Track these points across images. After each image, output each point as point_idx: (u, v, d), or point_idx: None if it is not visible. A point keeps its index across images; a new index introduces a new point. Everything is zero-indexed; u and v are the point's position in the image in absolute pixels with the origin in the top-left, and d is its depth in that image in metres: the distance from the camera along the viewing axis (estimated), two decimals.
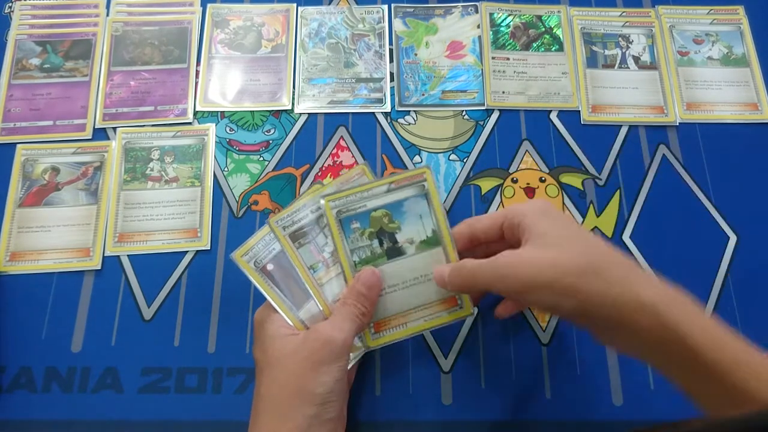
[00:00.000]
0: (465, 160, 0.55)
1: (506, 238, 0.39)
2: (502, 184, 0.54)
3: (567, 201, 0.54)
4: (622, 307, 0.33)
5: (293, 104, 0.57)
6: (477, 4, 0.62)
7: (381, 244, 0.42)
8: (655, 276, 0.35)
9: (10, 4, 0.61)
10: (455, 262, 0.40)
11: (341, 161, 0.55)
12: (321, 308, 0.42)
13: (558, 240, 0.35)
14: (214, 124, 0.56)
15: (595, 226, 0.53)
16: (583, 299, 0.33)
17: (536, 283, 0.34)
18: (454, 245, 0.41)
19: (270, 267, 0.42)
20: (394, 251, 0.42)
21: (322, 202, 0.42)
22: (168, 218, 0.52)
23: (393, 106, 0.57)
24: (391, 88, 0.58)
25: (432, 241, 0.42)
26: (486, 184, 0.54)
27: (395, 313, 0.41)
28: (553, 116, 0.57)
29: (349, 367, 0.41)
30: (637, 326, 0.32)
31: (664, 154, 0.56)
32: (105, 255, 0.51)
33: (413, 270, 0.42)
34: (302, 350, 0.39)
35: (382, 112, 0.57)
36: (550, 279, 0.34)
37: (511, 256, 0.36)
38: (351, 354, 0.41)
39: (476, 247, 0.42)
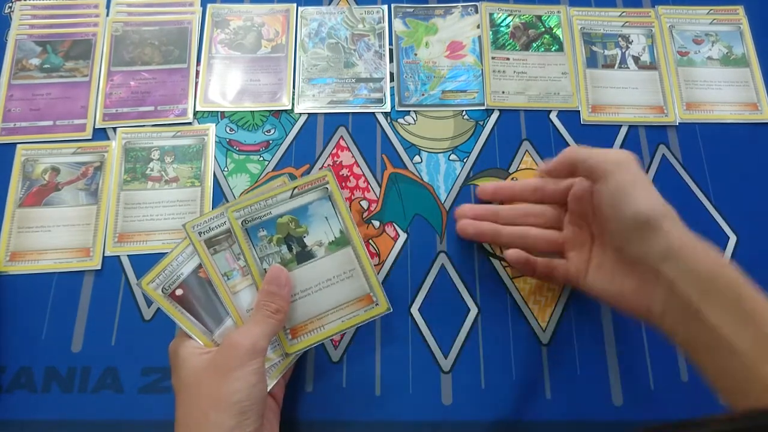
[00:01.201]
0: (465, 160, 0.55)
1: (592, 177, 0.42)
2: None
3: None
4: (698, 262, 0.37)
5: (293, 104, 0.57)
6: (477, 4, 0.62)
7: (290, 249, 0.42)
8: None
9: (10, 4, 0.61)
10: (546, 261, 0.47)
11: (341, 161, 0.55)
12: (233, 317, 0.42)
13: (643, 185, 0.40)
14: (214, 124, 0.56)
15: None
16: (666, 233, 0.38)
17: (639, 177, 0.40)
18: (362, 244, 0.43)
19: (179, 292, 0.42)
20: (304, 255, 0.42)
21: (226, 213, 0.42)
22: (168, 218, 0.52)
23: (393, 106, 0.57)
24: (391, 88, 0.58)
25: (341, 242, 0.43)
26: None
27: (311, 317, 0.42)
28: (553, 116, 0.57)
29: (271, 384, 0.41)
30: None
31: (663, 154, 0.56)
32: (105, 255, 0.51)
33: (325, 272, 0.42)
34: (212, 363, 0.38)
35: (382, 112, 0.57)
36: (649, 187, 0.40)
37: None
38: (269, 365, 0.41)
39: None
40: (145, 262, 0.51)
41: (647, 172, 0.55)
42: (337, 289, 0.42)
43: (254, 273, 0.42)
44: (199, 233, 0.42)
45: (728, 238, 0.52)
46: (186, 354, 0.40)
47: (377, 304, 0.43)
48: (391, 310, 0.43)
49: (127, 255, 0.51)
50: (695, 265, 0.37)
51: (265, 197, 0.42)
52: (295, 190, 0.42)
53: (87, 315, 0.49)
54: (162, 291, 0.41)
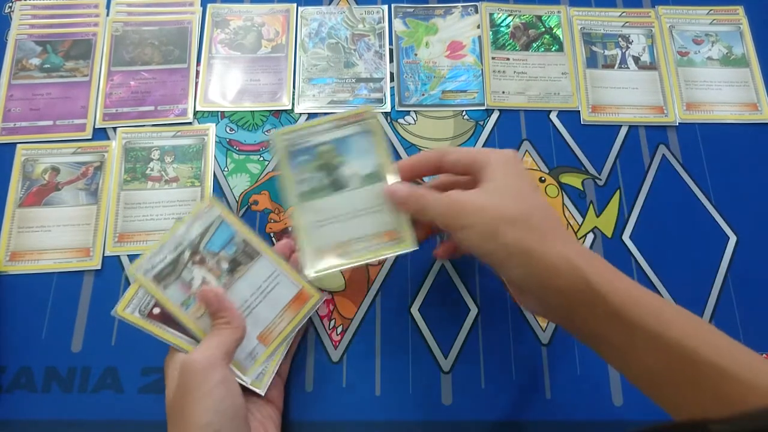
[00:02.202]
0: None
1: (470, 175, 0.41)
2: None
3: (567, 201, 0.54)
4: (547, 261, 0.34)
5: (293, 104, 0.57)
6: (477, 4, 0.62)
7: (327, 176, 0.43)
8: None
9: (10, 4, 0.61)
10: (411, 187, 0.41)
11: None
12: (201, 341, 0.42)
13: (504, 190, 0.38)
14: (214, 124, 0.56)
15: (595, 226, 0.53)
16: (506, 243, 0.35)
17: (466, 222, 0.37)
18: (397, 180, 0.43)
19: (156, 311, 0.42)
20: (339, 183, 0.43)
21: (273, 135, 0.44)
22: (168, 218, 0.52)
23: (393, 106, 0.57)
24: (391, 88, 0.58)
25: (375, 176, 0.43)
26: None
27: (337, 243, 0.42)
28: (553, 116, 0.57)
29: (263, 388, 0.40)
30: (560, 282, 0.34)
31: (663, 154, 0.56)
32: (105, 255, 0.51)
33: (356, 202, 0.43)
34: (177, 388, 0.37)
35: (382, 112, 0.57)
36: (479, 221, 0.36)
37: (457, 194, 0.38)
38: (257, 372, 0.41)
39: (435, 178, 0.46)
40: None
41: (647, 172, 0.55)
42: (366, 220, 0.43)
43: (289, 190, 0.43)
44: (145, 273, 0.42)
45: (728, 238, 0.52)
46: (169, 373, 0.39)
47: (403, 240, 0.42)
48: (417, 247, 0.42)
49: (127, 255, 0.51)
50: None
51: (310, 125, 0.44)
52: (339, 122, 0.44)
53: (87, 315, 0.49)
54: (138, 313, 0.42)
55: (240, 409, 0.37)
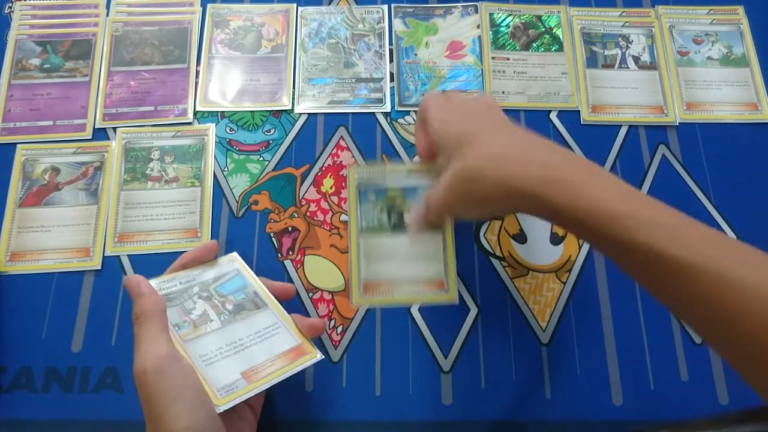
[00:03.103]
0: None
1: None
2: None
3: None
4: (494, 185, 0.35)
5: (293, 104, 0.57)
6: (477, 4, 0.62)
7: (389, 219, 0.45)
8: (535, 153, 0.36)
9: (10, 4, 0.61)
10: (418, 210, 0.44)
11: (341, 161, 0.55)
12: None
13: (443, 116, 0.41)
14: (214, 124, 0.56)
15: None
16: (457, 166, 0.37)
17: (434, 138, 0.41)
18: (453, 236, 0.45)
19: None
20: (400, 227, 0.45)
21: (351, 170, 0.46)
22: (168, 218, 0.52)
23: (393, 106, 0.57)
24: (391, 88, 0.58)
25: (435, 227, 0.45)
26: None
27: (386, 280, 0.44)
28: (553, 116, 0.57)
29: (225, 406, 0.37)
30: (515, 204, 0.36)
31: (663, 154, 0.56)
32: (105, 255, 0.51)
33: (411, 247, 0.45)
34: (142, 403, 0.36)
35: (382, 112, 0.57)
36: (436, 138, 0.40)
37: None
38: (223, 386, 0.39)
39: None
40: (145, 262, 0.51)
41: (647, 172, 0.55)
42: (416, 266, 0.44)
43: (352, 226, 0.45)
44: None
45: None
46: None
47: (446, 292, 0.44)
48: (457, 301, 0.44)
49: (127, 255, 0.51)
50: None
51: (387, 169, 0.46)
52: (411, 173, 0.46)
53: (87, 315, 0.49)
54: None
55: (211, 406, 0.36)
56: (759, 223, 0.53)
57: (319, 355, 0.42)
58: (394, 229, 0.45)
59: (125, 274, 0.50)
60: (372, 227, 0.45)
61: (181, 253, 0.47)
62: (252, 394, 0.38)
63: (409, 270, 0.44)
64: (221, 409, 0.36)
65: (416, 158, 0.55)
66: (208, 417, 0.35)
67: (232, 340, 0.42)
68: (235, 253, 0.49)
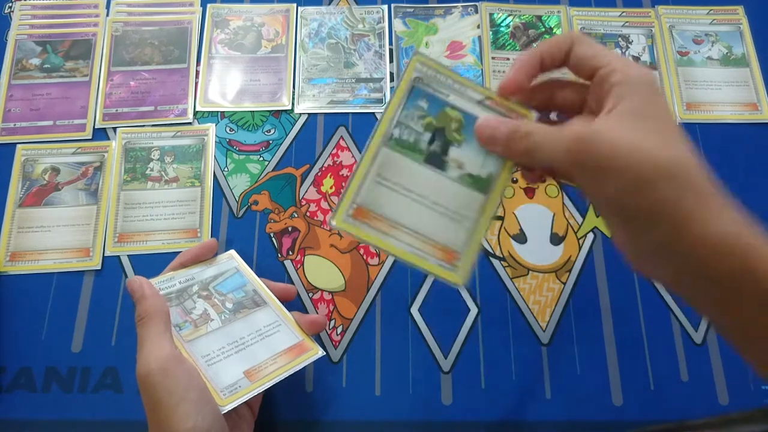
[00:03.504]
0: None
1: (592, 86, 0.31)
2: None
3: (567, 201, 0.54)
4: (705, 240, 0.27)
5: (293, 104, 0.57)
6: (477, 4, 0.62)
7: (431, 142, 0.34)
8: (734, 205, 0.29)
9: (10, 4, 0.61)
10: (512, 122, 0.33)
11: (341, 161, 0.55)
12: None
13: (649, 124, 0.28)
14: (214, 124, 0.56)
15: (595, 226, 0.53)
16: (656, 202, 0.27)
17: (601, 168, 0.28)
18: (496, 208, 0.35)
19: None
20: (436, 160, 0.34)
21: (415, 55, 0.35)
22: (168, 218, 0.52)
23: None
24: (391, 88, 0.58)
25: (480, 184, 0.34)
26: None
27: (387, 217, 0.33)
28: (554, 116, 0.57)
29: (228, 406, 0.37)
30: (716, 271, 0.27)
31: None
32: (105, 255, 0.51)
33: (439, 193, 0.34)
34: (145, 406, 0.36)
35: (382, 112, 0.57)
36: (621, 167, 0.27)
37: (582, 128, 0.29)
38: (226, 387, 0.39)
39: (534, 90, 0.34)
40: (145, 263, 0.51)
41: None
42: (434, 218, 0.34)
43: (380, 126, 0.34)
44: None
45: None
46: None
47: (454, 269, 0.33)
48: (462, 284, 0.33)
49: (127, 255, 0.51)
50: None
51: (458, 80, 0.35)
52: (488, 101, 0.35)
53: (87, 315, 0.49)
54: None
55: (216, 406, 0.36)
56: (759, 223, 0.53)
57: (320, 352, 0.42)
58: (429, 158, 0.34)
59: (125, 274, 0.50)
60: (404, 141, 0.34)
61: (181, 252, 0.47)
62: (255, 393, 0.38)
63: (422, 219, 0.33)
64: (225, 409, 0.36)
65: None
66: (212, 417, 0.35)
67: (234, 339, 0.42)
68: (233, 251, 0.49)
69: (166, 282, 0.44)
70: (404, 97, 0.34)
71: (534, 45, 0.60)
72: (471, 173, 0.34)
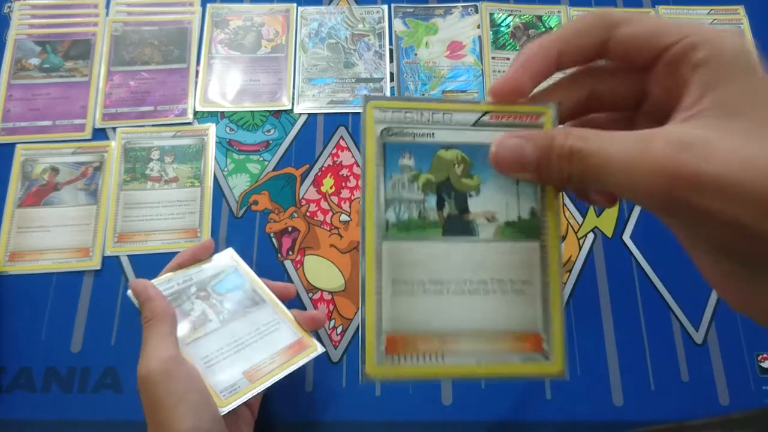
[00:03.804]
0: None
1: (654, 72, 0.22)
2: None
3: (567, 201, 0.54)
4: None
5: (293, 104, 0.57)
6: (477, 4, 0.62)
7: (440, 205, 0.25)
8: None
9: (9, 4, 0.61)
10: (540, 135, 0.23)
11: (341, 161, 0.55)
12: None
13: (758, 121, 0.19)
14: (214, 124, 0.56)
15: (596, 226, 0.53)
16: None
17: (740, 194, 0.18)
18: (560, 248, 0.25)
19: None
20: (459, 225, 0.25)
21: (365, 105, 0.26)
22: (168, 218, 0.52)
23: None
24: (391, 88, 0.58)
25: (527, 229, 0.25)
26: None
27: (432, 331, 0.24)
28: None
29: (227, 407, 0.37)
30: None
31: None
32: (105, 255, 0.51)
33: (483, 266, 0.25)
34: (145, 407, 0.36)
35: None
36: (745, 191, 0.18)
37: (686, 137, 0.19)
38: (225, 386, 0.39)
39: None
40: (144, 263, 0.51)
41: None
42: (490, 302, 0.25)
43: (367, 218, 0.25)
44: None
45: None
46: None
47: (547, 358, 0.25)
48: (566, 376, 0.26)
49: (127, 255, 0.51)
50: None
51: (437, 106, 0.26)
52: (487, 117, 0.25)
53: (87, 315, 0.49)
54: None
55: (215, 408, 0.36)
56: None
57: (320, 348, 0.42)
58: (448, 227, 0.25)
59: (125, 274, 0.50)
60: (406, 223, 0.25)
61: None
62: (254, 393, 0.38)
63: (477, 310, 0.25)
64: (224, 410, 0.36)
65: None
66: (211, 419, 0.35)
67: (233, 339, 0.42)
68: (231, 249, 0.48)
69: (165, 284, 0.44)
70: (380, 165, 0.25)
71: None
72: (509, 221, 0.25)
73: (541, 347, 0.25)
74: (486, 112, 0.25)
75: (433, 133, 0.26)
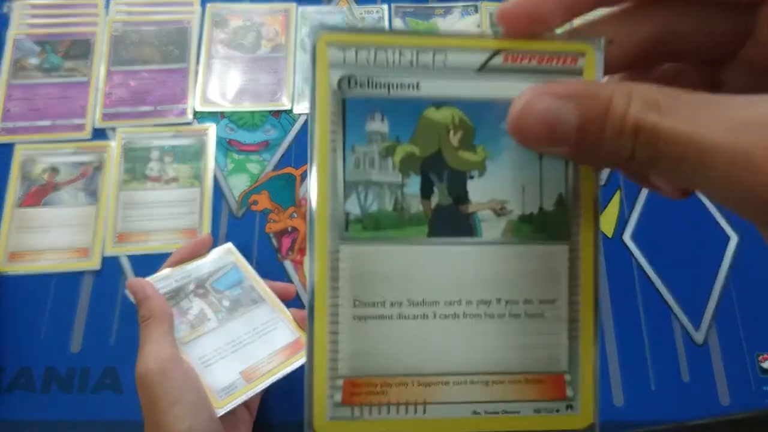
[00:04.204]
0: None
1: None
2: None
3: None
4: None
5: (293, 104, 0.57)
6: (477, 3, 0.62)
7: (427, 192, 0.18)
8: None
9: (9, 4, 0.61)
10: (588, 88, 0.15)
11: None
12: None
13: None
14: (214, 124, 0.56)
15: None
16: None
17: None
18: (597, 250, 0.18)
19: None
20: (453, 221, 0.18)
21: (317, 41, 0.17)
22: (168, 218, 0.52)
23: None
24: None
25: (552, 224, 0.18)
26: None
27: (408, 372, 0.18)
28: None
29: (224, 409, 0.37)
30: None
31: None
32: (104, 255, 0.51)
33: (486, 280, 0.18)
34: (143, 406, 0.36)
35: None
36: None
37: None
38: (223, 387, 0.39)
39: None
40: (144, 263, 0.50)
41: None
42: (494, 331, 0.18)
43: (318, 207, 0.17)
44: None
45: (729, 238, 0.52)
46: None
47: (570, 407, 0.20)
48: (595, 428, 0.21)
49: (127, 255, 0.51)
50: None
51: (422, 42, 0.17)
52: (498, 58, 0.17)
53: (86, 315, 0.49)
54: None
55: (212, 409, 0.36)
56: None
57: None
58: (437, 225, 0.18)
59: (125, 274, 0.50)
60: (374, 217, 0.18)
61: None
62: (251, 393, 0.38)
63: (472, 345, 0.18)
64: (221, 411, 0.36)
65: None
66: (208, 420, 0.35)
67: (231, 338, 0.41)
68: (230, 244, 0.48)
69: (163, 281, 0.44)
70: (336, 131, 0.17)
71: None
72: (525, 214, 0.18)
73: (563, 393, 0.19)
74: (498, 51, 0.17)
75: (417, 84, 0.18)
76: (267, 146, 0.55)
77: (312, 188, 0.17)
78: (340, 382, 0.17)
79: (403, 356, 0.17)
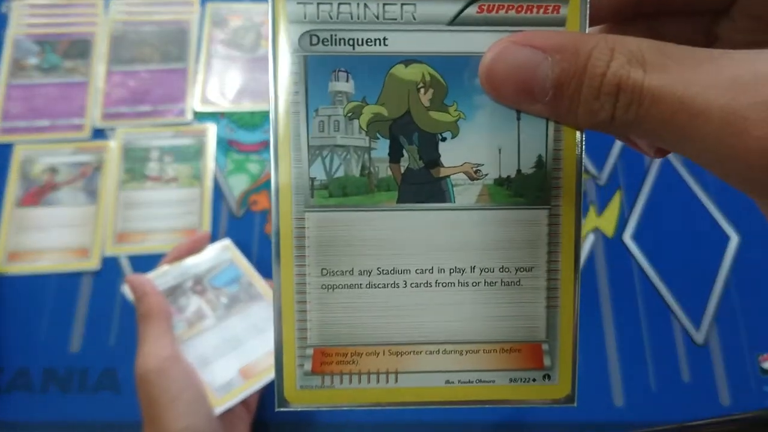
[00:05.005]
0: None
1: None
2: None
3: None
4: None
5: None
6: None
7: (396, 155, 0.17)
8: None
9: (7, 3, 0.61)
10: (567, 39, 0.14)
11: None
12: None
13: None
14: (214, 124, 0.56)
15: (596, 227, 0.53)
16: None
17: None
18: (579, 217, 0.18)
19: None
20: (425, 186, 0.17)
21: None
22: (167, 218, 0.52)
23: None
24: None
25: (530, 188, 0.17)
26: None
27: (381, 339, 0.18)
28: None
29: (222, 407, 0.37)
30: None
31: None
32: (104, 255, 0.51)
33: (459, 247, 0.17)
34: (141, 403, 0.36)
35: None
36: None
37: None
38: (221, 385, 0.39)
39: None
40: (144, 263, 0.50)
41: (648, 171, 0.55)
42: (469, 300, 0.17)
43: (281, 173, 0.17)
44: None
45: (729, 238, 0.52)
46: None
47: (548, 377, 0.18)
48: (571, 401, 0.18)
49: (126, 255, 0.51)
50: None
51: None
52: (473, 8, 0.16)
53: (85, 316, 0.49)
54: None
55: (210, 408, 0.36)
56: (761, 223, 0.53)
57: None
58: (407, 191, 0.17)
59: (124, 274, 0.50)
60: (341, 183, 0.17)
61: None
62: (250, 392, 0.38)
63: (446, 312, 0.17)
64: (219, 410, 0.36)
65: None
66: (206, 418, 0.35)
67: (229, 336, 0.41)
68: (228, 240, 0.48)
69: (161, 278, 0.44)
70: (298, 92, 0.17)
71: None
72: (502, 177, 0.17)
73: (541, 362, 0.17)
74: (472, 1, 0.16)
75: (384, 39, 0.16)
76: (267, 146, 0.55)
77: (274, 154, 0.17)
78: (309, 351, 0.18)
79: (374, 325, 0.17)
